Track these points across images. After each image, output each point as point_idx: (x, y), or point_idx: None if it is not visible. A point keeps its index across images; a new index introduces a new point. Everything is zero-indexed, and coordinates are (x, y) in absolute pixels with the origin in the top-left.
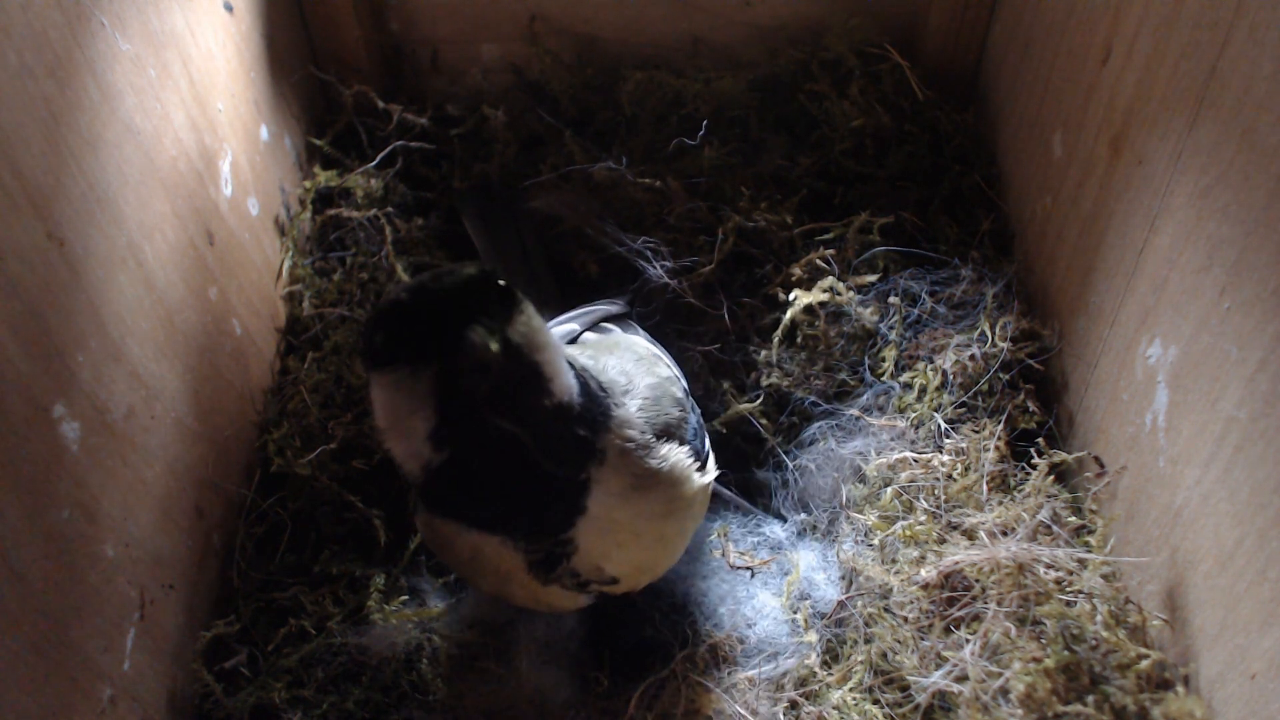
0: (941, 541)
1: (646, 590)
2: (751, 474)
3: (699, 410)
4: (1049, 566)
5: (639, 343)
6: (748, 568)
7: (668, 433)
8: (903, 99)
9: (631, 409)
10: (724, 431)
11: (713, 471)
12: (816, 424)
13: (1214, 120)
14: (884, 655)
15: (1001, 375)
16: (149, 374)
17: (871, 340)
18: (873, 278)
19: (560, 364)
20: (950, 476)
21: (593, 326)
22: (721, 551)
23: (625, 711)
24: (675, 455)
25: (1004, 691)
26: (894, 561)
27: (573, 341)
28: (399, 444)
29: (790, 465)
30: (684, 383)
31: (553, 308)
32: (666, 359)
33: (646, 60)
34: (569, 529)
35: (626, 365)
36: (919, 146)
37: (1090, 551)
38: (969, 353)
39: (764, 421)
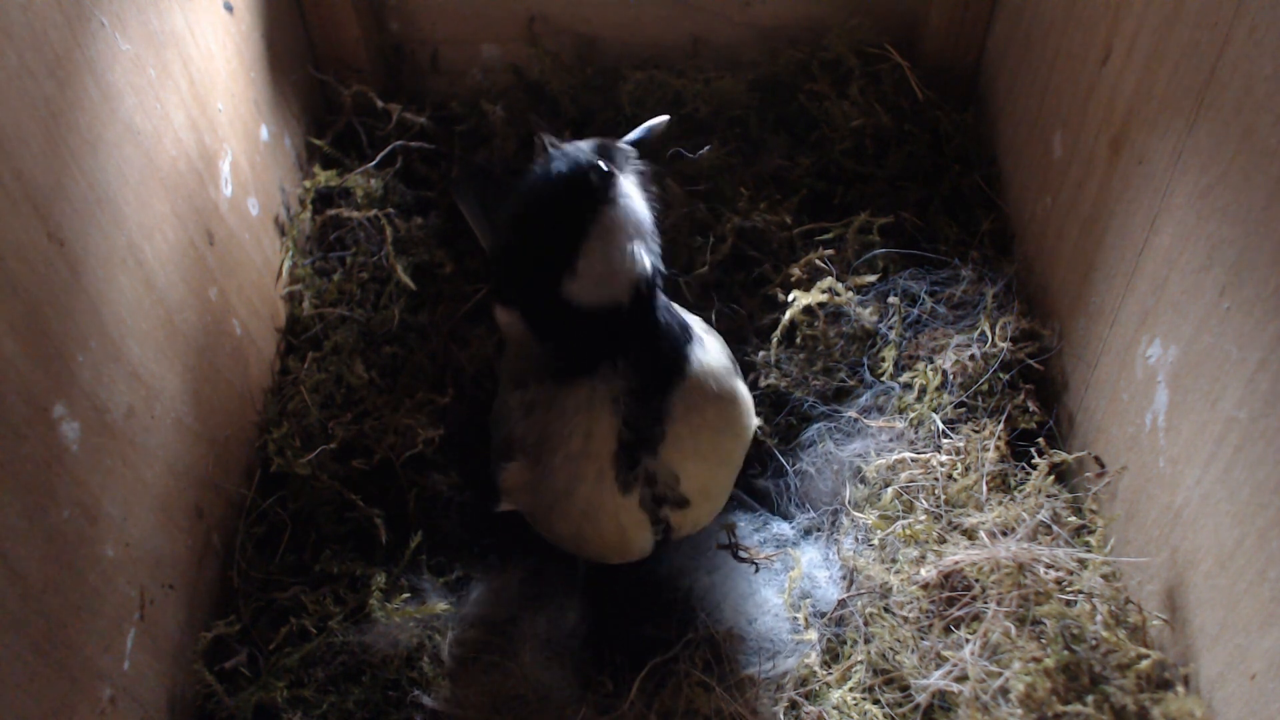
0: (941, 541)
1: (648, 586)
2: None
3: None
4: (1049, 566)
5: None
6: (751, 561)
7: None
8: (903, 99)
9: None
10: None
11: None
12: (815, 425)
13: (1214, 120)
14: (884, 655)
15: (1001, 375)
16: (149, 374)
17: (871, 340)
18: (872, 278)
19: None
20: (950, 476)
21: None
22: (727, 542)
23: (626, 710)
24: (744, 389)
25: (1004, 691)
26: (894, 561)
27: None
28: None
29: (790, 470)
30: None
31: None
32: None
33: (646, 60)
34: (670, 392)
35: (694, 321)
36: (919, 146)
37: (1090, 551)
38: (969, 353)
39: (762, 424)
